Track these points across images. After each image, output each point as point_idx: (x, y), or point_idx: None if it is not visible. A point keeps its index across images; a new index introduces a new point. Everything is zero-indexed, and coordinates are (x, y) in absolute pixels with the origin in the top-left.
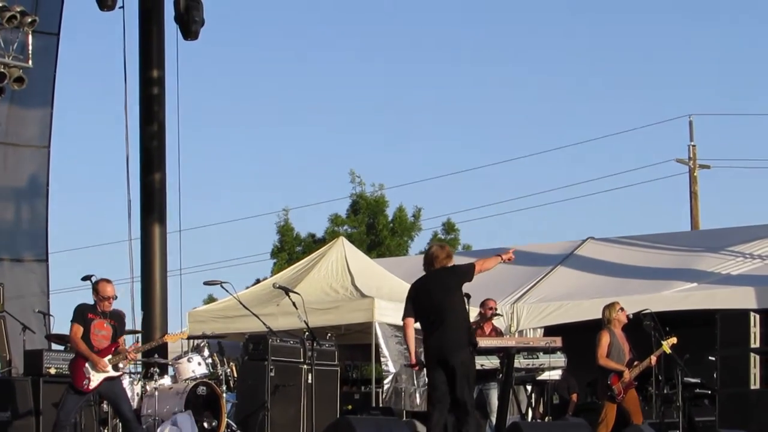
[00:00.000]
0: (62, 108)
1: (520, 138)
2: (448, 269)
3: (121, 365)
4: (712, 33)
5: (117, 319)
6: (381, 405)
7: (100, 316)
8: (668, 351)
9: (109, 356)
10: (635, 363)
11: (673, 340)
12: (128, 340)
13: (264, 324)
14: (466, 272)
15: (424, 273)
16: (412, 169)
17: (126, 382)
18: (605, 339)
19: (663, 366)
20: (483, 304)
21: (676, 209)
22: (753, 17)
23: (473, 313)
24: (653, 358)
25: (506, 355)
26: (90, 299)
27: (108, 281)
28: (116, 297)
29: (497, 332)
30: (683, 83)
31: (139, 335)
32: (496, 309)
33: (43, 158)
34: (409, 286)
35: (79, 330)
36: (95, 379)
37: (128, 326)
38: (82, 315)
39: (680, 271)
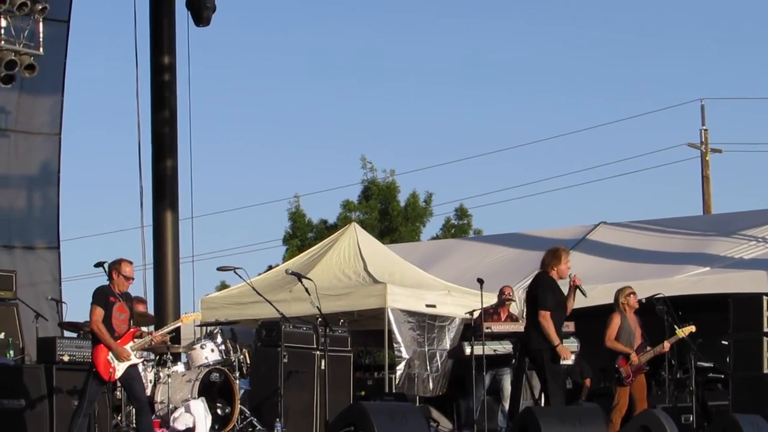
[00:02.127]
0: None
1: (531, 123)
2: None
3: (138, 353)
4: (724, 16)
5: (129, 301)
6: (394, 391)
7: (119, 299)
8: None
9: (131, 343)
10: (647, 348)
11: (692, 328)
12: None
13: (277, 310)
14: None
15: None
16: (423, 155)
17: (140, 368)
18: (616, 320)
19: (676, 350)
20: (501, 292)
21: (688, 194)
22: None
23: (488, 299)
24: (667, 344)
25: (519, 340)
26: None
27: (130, 261)
28: (134, 278)
29: (512, 318)
30: (695, 67)
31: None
32: (511, 295)
33: (54, 146)
34: (421, 271)
35: (101, 313)
36: (120, 368)
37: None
38: (104, 297)
39: (692, 255)
